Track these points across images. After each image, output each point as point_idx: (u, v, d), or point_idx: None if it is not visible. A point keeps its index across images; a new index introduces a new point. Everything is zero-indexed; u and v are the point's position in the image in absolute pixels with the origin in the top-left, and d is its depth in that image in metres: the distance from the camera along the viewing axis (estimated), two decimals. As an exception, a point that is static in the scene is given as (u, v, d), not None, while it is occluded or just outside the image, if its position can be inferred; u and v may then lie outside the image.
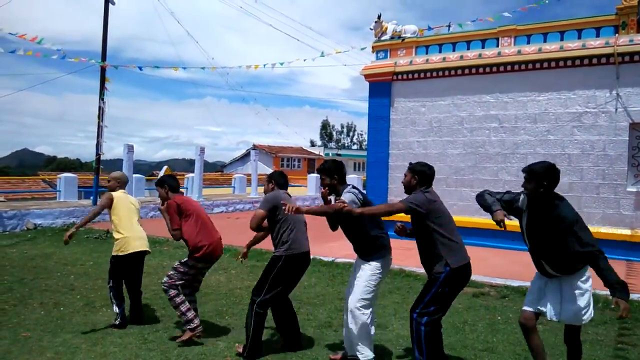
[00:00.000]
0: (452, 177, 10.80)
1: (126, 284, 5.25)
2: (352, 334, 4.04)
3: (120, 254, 5.07)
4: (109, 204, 5.17)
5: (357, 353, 4.03)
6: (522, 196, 3.65)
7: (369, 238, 4.09)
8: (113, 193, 5.26)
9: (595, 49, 9.41)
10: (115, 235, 5.12)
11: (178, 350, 4.39)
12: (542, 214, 3.48)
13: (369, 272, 4.05)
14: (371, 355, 4.04)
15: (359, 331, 4.00)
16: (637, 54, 9.09)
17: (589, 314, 3.48)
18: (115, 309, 5.08)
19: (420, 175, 3.94)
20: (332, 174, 4.18)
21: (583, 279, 3.49)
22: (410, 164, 4.07)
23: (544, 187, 3.44)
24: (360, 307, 3.99)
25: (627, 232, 9.10)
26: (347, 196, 3.97)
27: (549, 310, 3.53)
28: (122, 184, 5.40)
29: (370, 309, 4.05)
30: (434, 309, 3.73)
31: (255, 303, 4.28)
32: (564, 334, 3.69)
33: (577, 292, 3.46)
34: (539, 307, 3.59)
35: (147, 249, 5.30)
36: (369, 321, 4.01)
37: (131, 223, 5.19)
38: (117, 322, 5.05)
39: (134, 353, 4.33)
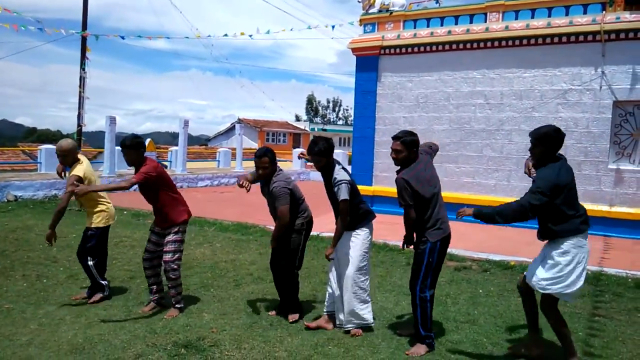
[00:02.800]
0: (437, 153, 10.80)
1: (102, 259, 5.01)
2: (353, 304, 4.18)
3: (103, 225, 4.93)
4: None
5: (361, 320, 4.22)
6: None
7: (355, 208, 4.21)
8: (82, 167, 4.77)
9: (582, 26, 9.41)
10: (100, 206, 4.90)
11: (163, 322, 4.40)
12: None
13: (360, 240, 4.21)
14: (372, 319, 4.32)
15: (361, 298, 4.22)
16: (624, 31, 9.12)
17: (554, 287, 3.56)
18: (102, 281, 4.96)
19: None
20: (329, 154, 4.20)
21: (558, 250, 3.56)
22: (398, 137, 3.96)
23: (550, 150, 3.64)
24: (360, 275, 4.20)
25: (606, 208, 9.28)
26: (342, 174, 4.14)
27: (528, 272, 3.79)
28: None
29: (368, 276, 4.30)
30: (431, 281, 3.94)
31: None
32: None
33: (549, 261, 3.60)
34: (525, 273, 3.85)
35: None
36: (368, 288, 4.28)
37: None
38: (106, 293, 4.98)
39: (119, 325, 4.33)
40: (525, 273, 3.89)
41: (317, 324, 4.36)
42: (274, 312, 4.71)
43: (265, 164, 4.36)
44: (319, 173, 4.31)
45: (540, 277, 3.61)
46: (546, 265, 3.61)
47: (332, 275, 4.37)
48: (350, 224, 4.20)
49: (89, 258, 4.84)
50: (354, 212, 4.20)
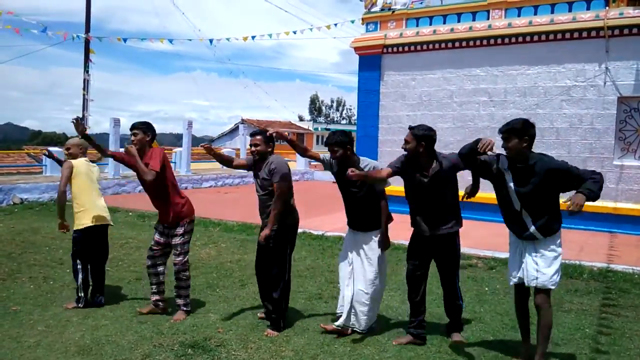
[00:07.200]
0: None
1: (94, 264, 4.93)
2: (372, 308, 4.22)
3: (82, 227, 4.84)
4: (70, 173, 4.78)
5: (373, 322, 4.27)
6: (501, 157, 3.67)
7: (379, 208, 4.21)
8: (73, 161, 4.84)
9: (586, 22, 9.38)
10: (77, 208, 4.88)
11: (170, 323, 4.41)
12: (528, 170, 3.48)
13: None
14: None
15: (378, 301, 4.32)
16: (627, 27, 9.08)
17: (559, 278, 3.54)
18: (80, 293, 4.81)
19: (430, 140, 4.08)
20: (345, 145, 4.17)
21: (558, 242, 3.53)
22: (411, 127, 4.04)
23: (527, 142, 3.50)
24: (380, 280, 4.30)
25: (611, 204, 9.24)
26: (375, 163, 4.31)
27: (526, 276, 3.54)
28: (84, 150, 4.98)
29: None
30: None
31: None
32: (535, 300, 3.59)
33: (553, 255, 3.50)
34: (519, 276, 3.61)
35: (108, 222, 5.01)
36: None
37: (91, 193, 4.91)
38: (80, 305, 4.78)
39: (126, 326, 4.35)
40: (516, 281, 3.64)
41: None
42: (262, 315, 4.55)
43: (257, 142, 4.26)
44: (323, 173, 4.33)
45: (552, 274, 3.46)
46: (549, 260, 3.47)
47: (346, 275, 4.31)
48: (376, 223, 4.24)
49: (77, 262, 4.86)
50: (378, 212, 4.24)
